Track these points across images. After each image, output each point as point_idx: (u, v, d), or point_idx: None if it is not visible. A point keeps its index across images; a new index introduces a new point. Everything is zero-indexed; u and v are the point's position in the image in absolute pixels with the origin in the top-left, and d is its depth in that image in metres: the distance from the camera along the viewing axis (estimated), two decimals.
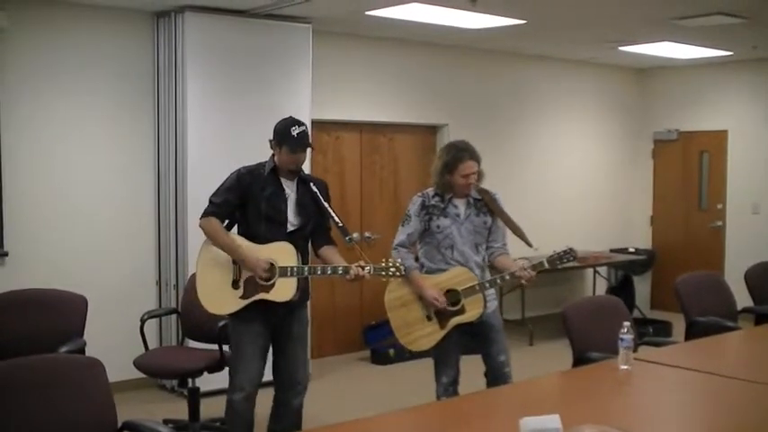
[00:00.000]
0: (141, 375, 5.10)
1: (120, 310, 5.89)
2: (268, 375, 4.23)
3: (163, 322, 6.05)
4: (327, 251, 4.19)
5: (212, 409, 5.10)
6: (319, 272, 4.03)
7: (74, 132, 5.86)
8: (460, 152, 4.32)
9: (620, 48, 7.89)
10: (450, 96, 7.91)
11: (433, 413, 3.36)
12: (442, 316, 4.28)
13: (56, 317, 4.65)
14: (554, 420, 2.61)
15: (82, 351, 4.49)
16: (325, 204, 4.11)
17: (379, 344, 7.06)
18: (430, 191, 4.39)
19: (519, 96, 8.54)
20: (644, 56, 8.35)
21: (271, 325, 4.11)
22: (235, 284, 4.04)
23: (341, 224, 4.07)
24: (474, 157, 4.33)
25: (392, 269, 4.02)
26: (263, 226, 4.03)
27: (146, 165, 6.16)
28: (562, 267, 4.29)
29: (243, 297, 4.02)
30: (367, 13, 6.08)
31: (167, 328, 6.03)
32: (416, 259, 4.45)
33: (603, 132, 9.43)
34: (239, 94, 6.09)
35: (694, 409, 3.33)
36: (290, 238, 4.05)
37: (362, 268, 3.96)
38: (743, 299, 5.70)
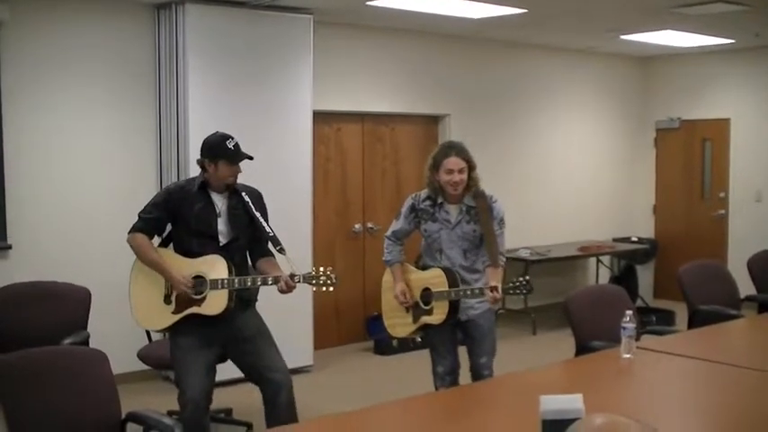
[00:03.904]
0: (145, 367, 5.11)
1: (123, 301, 5.84)
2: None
3: None
4: (263, 263, 4.15)
5: (216, 400, 5.10)
6: (249, 283, 3.98)
7: (76, 125, 5.86)
8: (447, 149, 4.31)
9: (622, 36, 7.86)
10: (451, 86, 7.90)
11: (434, 403, 3.37)
12: (415, 311, 4.35)
13: (59, 309, 4.67)
14: (576, 400, 2.49)
15: (86, 343, 4.51)
16: (257, 214, 4.06)
17: (382, 334, 7.06)
18: (422, 193, 4.39)
19: (521, 86, 8.52)
20: (646, 44, 8.33)
21: (213, 336, 4.03)
22: (167, 299, 4.00)
23: (272, 234, 4.03)
24: (460, 154, 4.24)
25: (322, 278, 3.98)
26: (195, 241, 4.00)
27: (148, 156, 6.16)
28: (515, 294, 4.22)
29: (175, 312, 3.98)
30: (368, 3, 6.06)
31: None
32: (420, 257, 4.48)
33: (605, 121, 9.42)
34: (240, 85, 6.08)
35: (697, 398, 3.34)
36: (224, 251, 4.01)
37: (293, 279, 3.93)
38: (746, 287, 5.70)
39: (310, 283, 4.02)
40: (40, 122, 5.71)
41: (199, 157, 4.06)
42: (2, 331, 4.51)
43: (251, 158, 4.03)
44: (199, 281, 3.96)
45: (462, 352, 4.48)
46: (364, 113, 7.42)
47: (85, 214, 5.91)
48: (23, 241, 5.65)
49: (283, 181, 6.12)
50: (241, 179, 4.13)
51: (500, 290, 4.10)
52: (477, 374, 4.39)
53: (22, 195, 5.66)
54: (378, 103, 7.42)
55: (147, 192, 6.10)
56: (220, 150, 3.97)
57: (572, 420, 2.05)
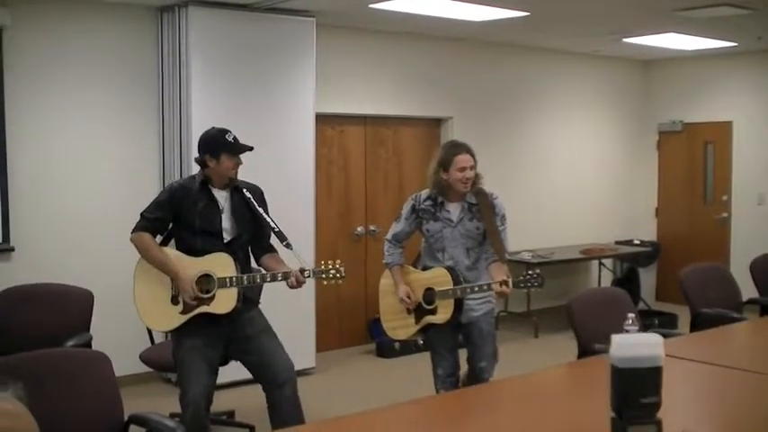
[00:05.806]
0: (147, 369, 5.13)
1: (126, 304, 5.84)
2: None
3: None
4: (267, 259, 4.16)
5: (218, 402, 5.11)
6: (259, 279, 3.99)
7: (78, 128, 5.87)
8: (454, 147, 4.33)
9: (625, 40, 7.86)
10: (454, 89, 7.90)
11: (436, 406, 3.36)
12: (417, 312, 4.35)
13: (62, 311, 4.68)
14: (653, 344, 2.11)
15: (88, 345, 4.51)
16: (260, 210, 4.06)
17: (384, 337, 7.05)
18: (423, 194, 4.40)
19: (523, 89, 8.52)
20: (648, 47, 8.32)
21: (216, 336, 4.03)
22: (174, 300, 3.99)
23: (277, 229, 4.03)
24: (469, 151, 4.30)
25: (332, 271, 4.04)
26: (199, 239, 3.99)
27: (150, 160, 6.17)
28: (526, 288, 4.29)
29: (183, 312, 3.97)
30: (370, 6, 6.07)
31: None
32: (419, 256, 4.49)
33: (608, 124, 9.42)
34: (243, 88, 6.09)
35: (699, 401, 3.33)
36: (228, 248, 4.00)
37: (303, 273, 3.95)
38: (748, 290, 5.70)
39: (320, 278, 4.06)
40: (42, 125, 5.72)
41: (197, 155, 4.05)
42: (4, 333, 4.51)
43: (251, 149, 4.05)
44: (206, 279, 3.95)
45: (463, 356, 4.48)
46: (367, 116, 7.43)
47: (88, 216, 5.92)
48: (26, 243, 5.66)
49: (286, 183, 6.12)
50: (243, 178, 4.14)
51: (510, 283, 4.10)
52: (476, 379, 4.38)
53: (25, 197, 5.67)
54: (380, 105, 7.43)
55: (149, 194, 6.07)
56: (221, 144, 3.98)
57: (649, 369, 1.86)
